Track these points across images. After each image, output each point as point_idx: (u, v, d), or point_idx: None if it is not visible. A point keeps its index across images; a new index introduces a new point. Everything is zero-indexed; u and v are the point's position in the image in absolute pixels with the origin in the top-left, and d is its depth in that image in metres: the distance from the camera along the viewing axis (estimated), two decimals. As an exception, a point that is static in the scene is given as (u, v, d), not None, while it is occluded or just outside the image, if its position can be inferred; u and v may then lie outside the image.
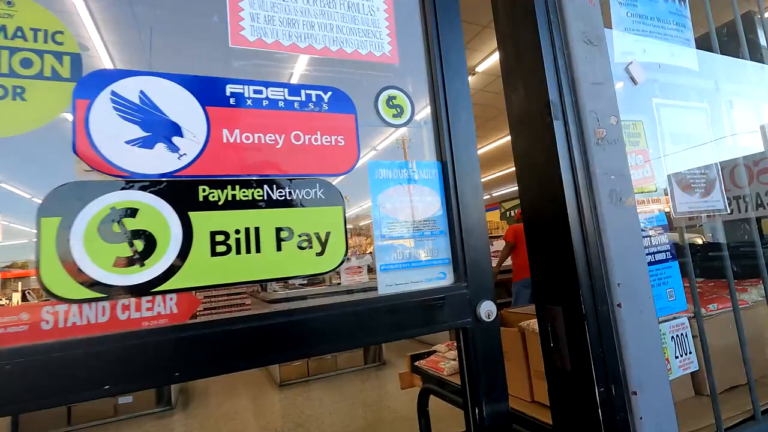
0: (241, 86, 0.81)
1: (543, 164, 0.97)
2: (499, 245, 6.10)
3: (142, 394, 4.17)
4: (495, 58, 7.22)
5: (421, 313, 0.89)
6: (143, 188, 0.71)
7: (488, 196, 19.25)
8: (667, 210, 1.14)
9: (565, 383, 0.95)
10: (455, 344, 2.39)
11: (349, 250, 0.86)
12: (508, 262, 5.90)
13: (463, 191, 0.97)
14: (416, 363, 2.28)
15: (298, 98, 0.86)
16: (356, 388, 4.34)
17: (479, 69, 7.53)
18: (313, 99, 0.88)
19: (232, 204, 0.76)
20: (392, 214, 0.95)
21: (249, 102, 0.81)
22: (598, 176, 0.93)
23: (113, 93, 0.71)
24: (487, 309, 0.92)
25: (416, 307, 0.89)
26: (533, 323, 1.54)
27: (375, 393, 4.20)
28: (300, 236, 0.82)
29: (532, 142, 1.00)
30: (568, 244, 0.92)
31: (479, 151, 12.04)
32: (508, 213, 19.68)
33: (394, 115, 0.98)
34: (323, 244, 0.84)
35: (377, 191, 0.94)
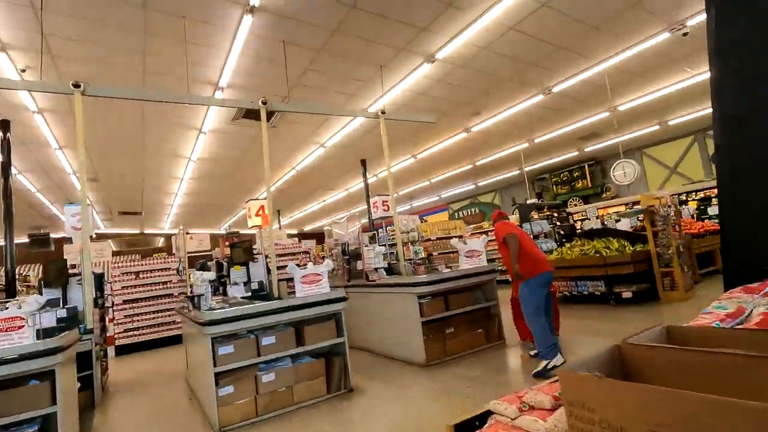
0: None
1: None
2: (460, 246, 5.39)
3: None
4: (459, 41, 6.62)
5: None
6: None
7: (437, 198, 18.86)
8: None
9: None
10: (527, 397, 1.29)
11: None
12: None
13: None
14: None
15: None
16: (321, 429, 3.33)
17: (439, 56, 6.87)
18: None
19: None
20: None
21: None
22: None
23: None
24: None
25: None
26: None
27: None
28: None
29: None
30: None
31: (432, 150, 11.47)
32: (456, 215, 19.56)
33: None
34: None
35: None
